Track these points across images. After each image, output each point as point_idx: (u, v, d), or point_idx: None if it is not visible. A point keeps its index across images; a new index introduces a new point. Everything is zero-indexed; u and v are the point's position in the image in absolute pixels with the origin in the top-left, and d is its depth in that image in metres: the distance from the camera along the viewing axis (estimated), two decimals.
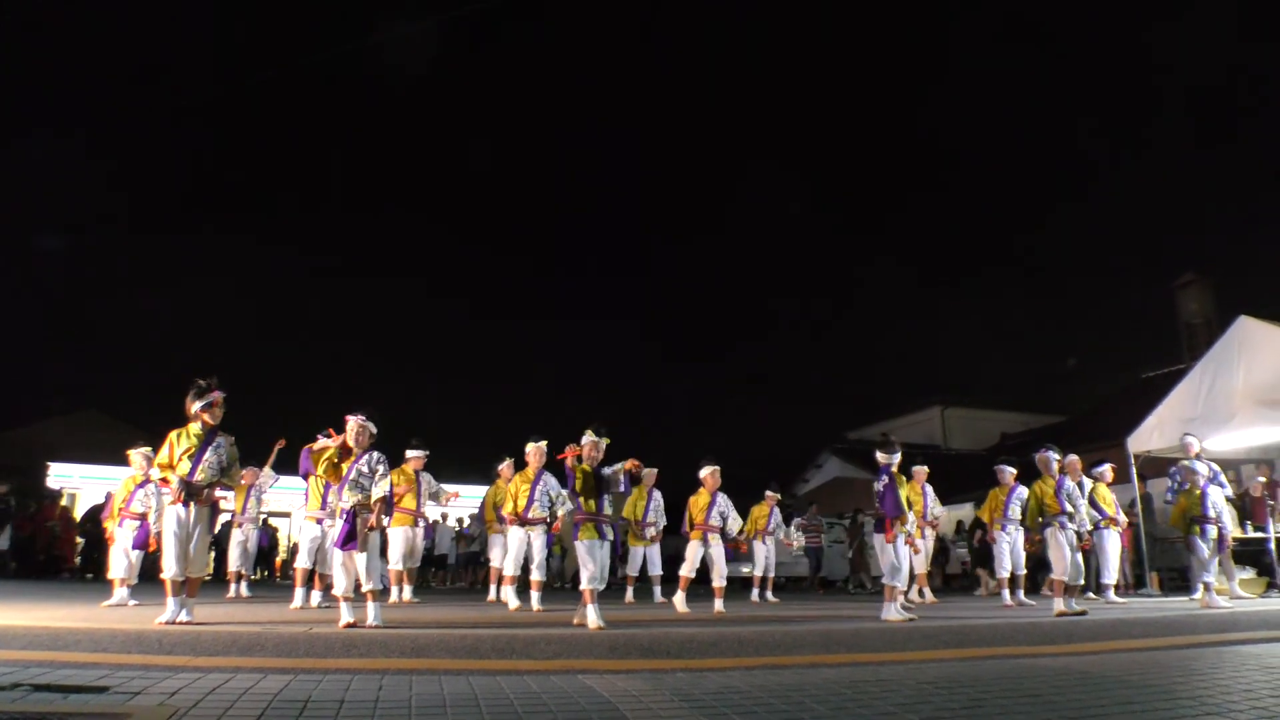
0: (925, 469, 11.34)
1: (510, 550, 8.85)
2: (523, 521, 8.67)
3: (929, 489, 11.25)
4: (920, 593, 10.85)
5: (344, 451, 6.26)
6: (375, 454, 6.30)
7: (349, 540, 5.96)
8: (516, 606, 8.57)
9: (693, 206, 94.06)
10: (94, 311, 64.66)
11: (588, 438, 6.75)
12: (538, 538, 8.67)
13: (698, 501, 9.57)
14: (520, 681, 3.50)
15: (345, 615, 5.82)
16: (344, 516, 6.01)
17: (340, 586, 5.98)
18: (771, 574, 12.32)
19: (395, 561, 9.37)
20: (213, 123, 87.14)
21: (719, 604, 8.69)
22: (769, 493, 12.22)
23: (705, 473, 9.75)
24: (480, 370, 71.18)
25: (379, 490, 6.26)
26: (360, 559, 6.00)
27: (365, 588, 6.02)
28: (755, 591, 11.87)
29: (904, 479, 8.00)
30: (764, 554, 12.00)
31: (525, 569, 8.90)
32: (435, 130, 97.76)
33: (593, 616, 6.13)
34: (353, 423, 6.28)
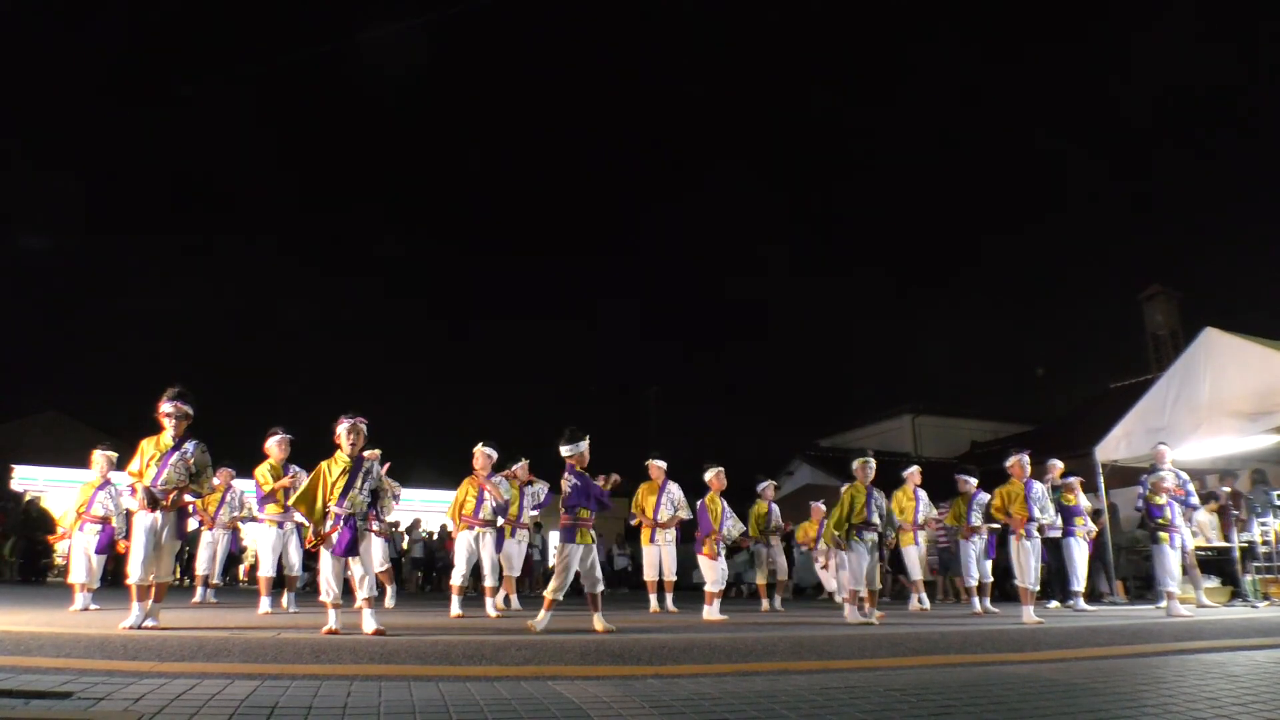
0: (918, 471, 11.28)
1: (459, 557, 8.69)
2: (471, 524, 8.58)
3: (921, 493, 11.18)
4: (919, 599, 10.81)
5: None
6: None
7: (350, 548, 5.82)
8: (498, 613, 8.50)
9: (663, 210, 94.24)
10: (59, 312, 63.82)
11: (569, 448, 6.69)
12: (487, 540, 8.60)
13: (712, 507, 9.37)
14: (490, 688, 3.48)
15: (332, 621, 5.75)
16: (345, 523, 5.85)
17: (326, 592, 5.90)
18: (781, 577, 11.47)
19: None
20: (184, 120, 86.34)
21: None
22: (769, 483, 11.40)
23: (711, 474, 9.58)
24: (457, 372, 70.93)
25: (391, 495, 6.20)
26: (356, 567, 5.91)
27: (362, 595, 5.91)
28: (767, 601, 11.02)
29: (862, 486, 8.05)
30: (768, 556, 11.16)
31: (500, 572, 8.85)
32: (415, 129, 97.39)
33: (545, 620, 6.20)
34: (346, 424, 6.06)
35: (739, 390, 79.16)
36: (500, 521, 8.92)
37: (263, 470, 8.68)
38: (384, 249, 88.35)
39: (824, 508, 10.59)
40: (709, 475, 9.55)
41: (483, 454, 8.69)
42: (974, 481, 10.43)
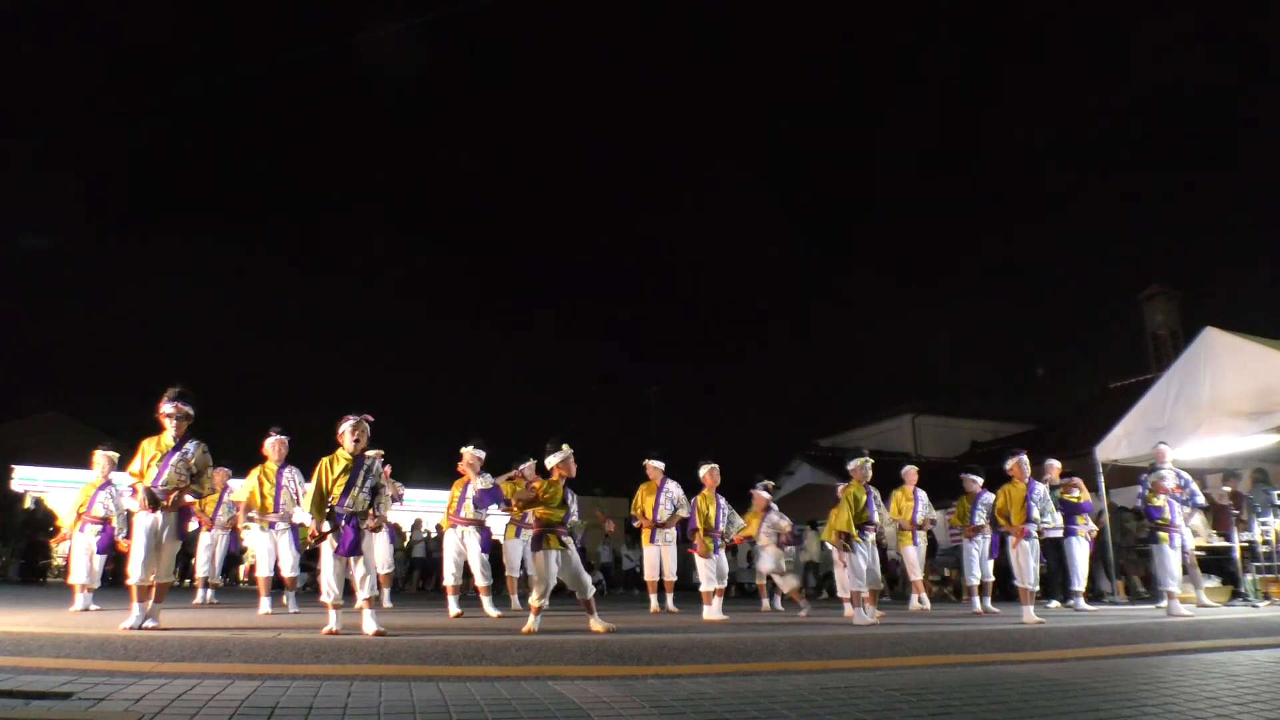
0: (916, 470, 11.24)
1: (447, 556, 8.66)
2: (455, 523, 8.55)
3: (920, 493, 11.14)
4: (919, 599, 10.78)
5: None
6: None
7: (354, 548, 5.79)
8: (497, 614, 8.43)
9: (662, 211, 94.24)
10: (59, 312, 63.83)
11: (557, 457, 6.65)
12: (471, 539, 8.54)
13: (705, 508, 9.29)
14: (491, 688, 3.49)
15: (332, 622, 5.74)
16: (348, 522, 5.82)
17: (326, 593, 5.88)
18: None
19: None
20: (184, 120, 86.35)
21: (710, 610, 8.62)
22: (766, 483, 11.08)
23: (704, 471, 9.53)
24: (457, 371, 70.94)
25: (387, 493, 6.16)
26: (359, 566, 5.88)
27: (363, 595, 5.88)
28: (767, 601, 11.15)
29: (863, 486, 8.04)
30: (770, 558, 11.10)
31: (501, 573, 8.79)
32: (415, 129, 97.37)
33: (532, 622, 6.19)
34: (351, 423, 6.01)
35: (739, 390, 79.17)
36: (498, 521, 8.89)
37: (254, 475, 8.69)
38: (384, 249, 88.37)
39: (766, 494, 10.26)
40: (703, 472, 9.52)
41: (471, 454, 8.65)
42: (980, 481, 10.40)
